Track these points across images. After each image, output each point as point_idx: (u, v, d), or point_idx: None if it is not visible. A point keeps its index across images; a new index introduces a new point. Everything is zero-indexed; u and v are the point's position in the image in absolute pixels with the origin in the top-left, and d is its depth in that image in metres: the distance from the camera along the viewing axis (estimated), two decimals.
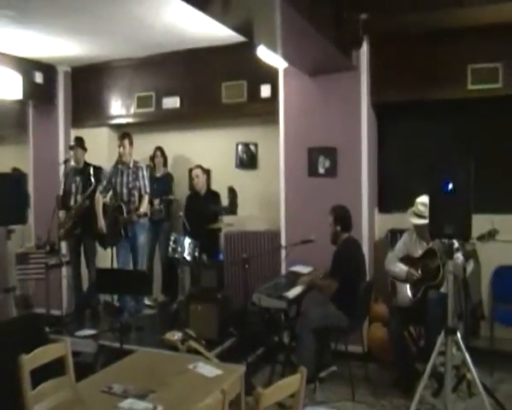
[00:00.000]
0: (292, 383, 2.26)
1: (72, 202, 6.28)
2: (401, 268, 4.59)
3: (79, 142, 6.41)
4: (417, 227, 4.54)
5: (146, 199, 5.87)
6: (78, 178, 6.30)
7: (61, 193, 6.32)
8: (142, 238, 5.95)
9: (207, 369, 2.90)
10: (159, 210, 5.66)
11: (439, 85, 5.16)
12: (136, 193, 5.86)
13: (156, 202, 6.12)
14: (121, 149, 5.89)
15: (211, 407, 2.34)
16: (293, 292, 4.61)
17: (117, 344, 4.57)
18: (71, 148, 6.46)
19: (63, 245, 6.60)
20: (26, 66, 6.62)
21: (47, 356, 2.82)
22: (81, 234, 6.24)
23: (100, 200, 5.97)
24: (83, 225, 6.16)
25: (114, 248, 5.85)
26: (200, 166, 6.47)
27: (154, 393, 2.57)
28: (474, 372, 3.52)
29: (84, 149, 6.43)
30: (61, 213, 6.32)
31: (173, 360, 3.42)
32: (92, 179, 6.01)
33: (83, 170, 6.34)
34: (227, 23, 3.95)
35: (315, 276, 4.89)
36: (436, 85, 5.17)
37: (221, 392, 2.07)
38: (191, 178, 6.50)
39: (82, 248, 6.36)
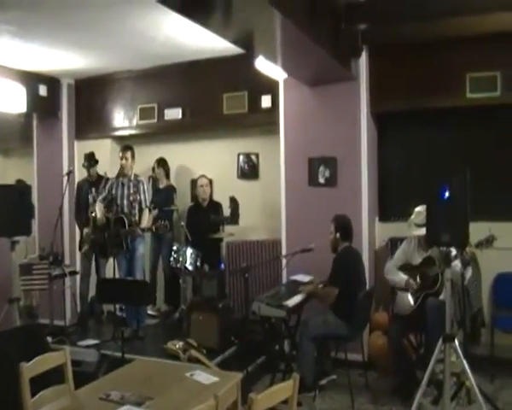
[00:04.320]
0: (285, 388, 2.29)
1: (89, 214, 6.36)
2: (400, 277, 4.61)
3: (92, 159, 6.52)
4: (420, 237, 4.52)
5: (146, 213, 5.88)
6: (93, 189, 6.40)
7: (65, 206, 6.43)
8: (141, 249, 5.91)
9: (204, 376, 2.93)
10: (164, 226, 5.64)
11: (437, 94, 5.19)
12: (136, 206, 5.85)
13: (155, 212, 6.19)
14: (123, 161, 5.90)
15: None
16: (293, 301, 4.64)
17: (119, 354, 4.60)
18: (86, 166, 6.53)
19: (67, 255, 6.68)
20: (30, 79, 6.66)
21: (47, 364, 2.87)
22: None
23: (101, 208, 5.97)
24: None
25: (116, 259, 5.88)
26: (205, 176, 6.51)
27: (150, 400, 2.60)
28: (472, 379, 3.52)
29: (97, 162, 6.55)
30: (85, 230, 6.35)
31: (172, 369, 3.45)
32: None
33: (96, 182, 6.43)
34: (227, 37, 4.03)
35: (315, 286, 4.91)
36: (435, 94, 5.20)
37: (214, 398, 2.10)
38: (197, 187, 6.51)
39: (93, 256, 6.42)
